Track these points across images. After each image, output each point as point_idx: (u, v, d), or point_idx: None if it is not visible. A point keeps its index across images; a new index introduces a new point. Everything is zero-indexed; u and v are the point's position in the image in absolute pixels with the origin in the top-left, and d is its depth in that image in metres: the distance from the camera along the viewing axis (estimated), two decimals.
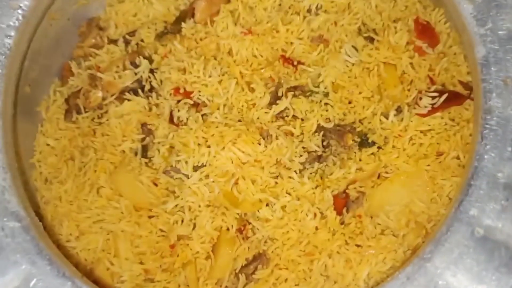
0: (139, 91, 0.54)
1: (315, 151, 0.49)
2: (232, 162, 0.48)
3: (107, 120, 0.54)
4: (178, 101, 0.52)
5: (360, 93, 0.51)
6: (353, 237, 0.48)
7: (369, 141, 0.50)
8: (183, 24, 0.55)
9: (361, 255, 0.47)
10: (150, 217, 0.50)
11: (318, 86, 0.52)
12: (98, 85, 0.56)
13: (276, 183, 0.48)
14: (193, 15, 0.56)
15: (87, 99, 0.56)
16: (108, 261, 0.50)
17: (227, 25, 0.53)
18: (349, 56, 0.52)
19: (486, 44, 0.44)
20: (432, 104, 0.49)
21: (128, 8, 0.59)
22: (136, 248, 0.50)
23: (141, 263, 0.50)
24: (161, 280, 0.50)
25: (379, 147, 0.50)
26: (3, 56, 0.48)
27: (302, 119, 0.50)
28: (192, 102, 0.52)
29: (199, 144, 0.49)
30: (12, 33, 0.48)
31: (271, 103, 0.51)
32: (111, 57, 0.56)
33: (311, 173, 0.49)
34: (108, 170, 0.52)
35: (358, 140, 0.50)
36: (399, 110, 0.50)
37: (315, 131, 0.50)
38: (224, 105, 0.51)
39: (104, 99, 0.55)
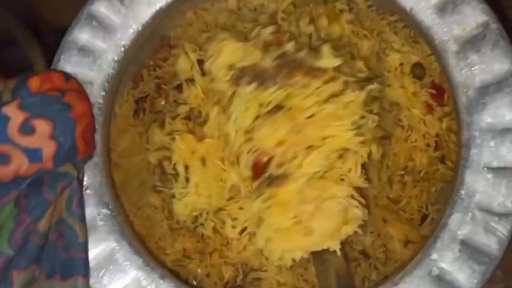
0: None
1: None
2: None
3: None
4: None
5: None
6: None
7: None
8: None
9: None
10: None
11: None
12: (162, 94, 0.72)
13: None
14: None
15: (152, 104, 0.71)
16: (158, 237, 0.67)
17: None
18: None
19: (470, 130, 0.58)
20: None
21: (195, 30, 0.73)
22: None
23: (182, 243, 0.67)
24: (196, 258, 0.67)
25: None
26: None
27: None
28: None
29: None
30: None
31: None
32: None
33: None
34: None
35: None
36: None
37: None
38: None
39: (164, 107, 0.69)
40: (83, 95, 0.58)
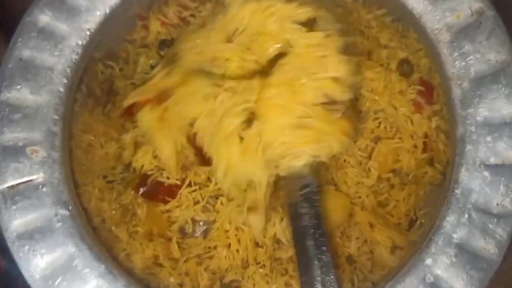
0: None
1: None
2: None
3: None
4: None
5: None
6: None
7: None
8: None
9: None
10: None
11: None
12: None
13: None
14: None
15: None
16: (126, 243, 0.61)
17: None
18: None
19: (465, 125, 0.54)
20: None
21: None
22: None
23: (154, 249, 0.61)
24: (168, 266, 0.61)
25: None
26: None
27: None
28: None
29: None
30: None
31: None
32: None
33: None
34: None
35: None
36: None
37: None
38: None
39: None
40: None
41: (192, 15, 0.65)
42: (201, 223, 0.62)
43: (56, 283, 0.50)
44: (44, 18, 0.55)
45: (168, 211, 0.61)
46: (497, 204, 0.51)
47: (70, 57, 0.56)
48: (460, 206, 0.52)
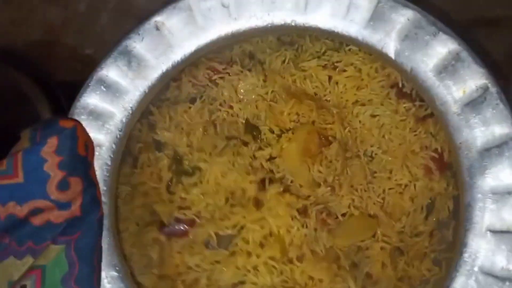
0: None
1: None
2: None
3: None
4: None
5: None
6: None
7: None
8: None
9: None
10: None
11: None
12: None
13: None
14: None
15: None
16: None
17: None
18: None
19: (472, 193, 0.59)
20: None
21: None
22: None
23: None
24: None
25: None
26: None
27: None
28: None
29: None
30: None
31: None
32: None
33: None
34: None
35: None
36: None
37: None
38: None
39: None
40: (94, 155, 0.61)
41: (221, 78, 0.72)
42: None
43: None
44: (92, 101, 0.63)
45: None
46: (502, 268, 0.56)
47: (115, 134, 0.63)
48: (467, 269, 0.57)
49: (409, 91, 0.67)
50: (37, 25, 0.82)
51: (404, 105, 0.67)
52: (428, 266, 0.64)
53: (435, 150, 0.65)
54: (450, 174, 0.64)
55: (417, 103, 0.66)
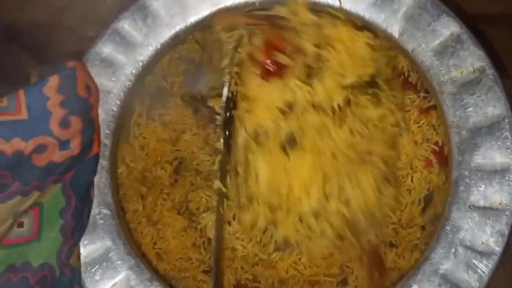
0: None
1: None
2: None
3: None
4: None
5: None
6: None
7: None
8: None
9: None
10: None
11: None
12: None
13: None
14: None
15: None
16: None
17: None
18: None
19: (460, 169, 0.60)
20: None
21: None
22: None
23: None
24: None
25: None
26: None
27: None
28: None
29: None
30: None
31: None
32: None
33: None
34: None
35: None
36: None
37: None
38: None
39: None
40: (98, 99, 0.64)
41: None
42: None
43: (93, 270, 0.60)
44: (106, 50, 0.66)
45: None
46: (482, 243, 0.57)
47: (124, 83, 0.67)
48: (448, 241, 0.58)
49: (415, 81, 0.69)
50: (41, 6, 0.82)
51: (409, 97, 0.69)
52: (417, 257, 0.64)
53: (436, 143, 0.67)
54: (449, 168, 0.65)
55: (422, 94, 0.68)
